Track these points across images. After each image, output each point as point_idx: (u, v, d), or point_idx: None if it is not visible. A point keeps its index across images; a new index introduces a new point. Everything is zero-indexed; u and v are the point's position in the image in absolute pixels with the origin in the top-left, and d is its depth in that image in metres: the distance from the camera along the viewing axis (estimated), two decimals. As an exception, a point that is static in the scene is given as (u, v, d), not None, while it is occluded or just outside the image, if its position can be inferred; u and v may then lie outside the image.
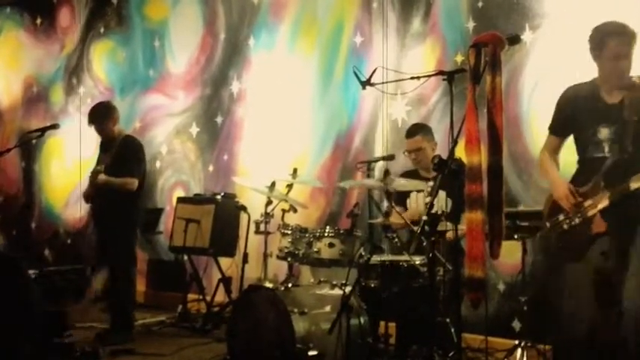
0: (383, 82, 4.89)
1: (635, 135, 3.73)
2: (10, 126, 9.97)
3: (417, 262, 4.59)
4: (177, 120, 8.03)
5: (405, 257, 4.65)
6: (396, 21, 6.35)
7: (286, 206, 5.36)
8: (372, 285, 4.72)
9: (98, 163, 6.33)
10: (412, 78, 4.44)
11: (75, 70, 9.14)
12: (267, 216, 5.41)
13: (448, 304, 4.37)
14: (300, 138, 6.95)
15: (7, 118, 10.04)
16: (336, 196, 6.69)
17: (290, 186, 5.57)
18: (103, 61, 8.84)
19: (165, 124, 8.14)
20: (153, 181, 8.12)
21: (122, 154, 6.13)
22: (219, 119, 7.65)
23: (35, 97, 9.65)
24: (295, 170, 5.62)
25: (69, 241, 9.13)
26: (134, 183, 6.10)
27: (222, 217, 6.77)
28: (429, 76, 4.33)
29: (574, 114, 4.03)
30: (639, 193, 3.58)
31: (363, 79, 4.50)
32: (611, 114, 3.84)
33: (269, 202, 5.46)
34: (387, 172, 4.63)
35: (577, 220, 3.91)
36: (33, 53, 9.68)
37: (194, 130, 7.86)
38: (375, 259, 4.69)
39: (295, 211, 5.35)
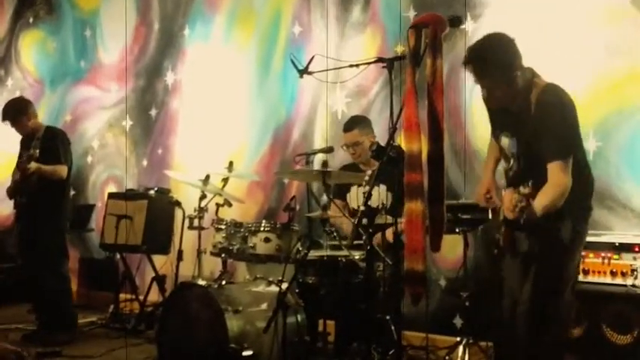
0: (321, 71, 4.69)
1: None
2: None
3: (357, 258, 4.44)
4: (110, 113, 7.76)
5: (343, 252, 4.49)
6: (336, 10, 6.19)
7: (221, 200, 5.13)
8: (310, 281, 4.58)
9: (20, 159, 6.10)
10: (351, 66, 4.30)
11: (3, 62, 8.78)
12: (201, 211, 5.18)
13: (388, 300, 4.21)
14: (237, 131, 6.75)
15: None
16: (275, 191, 6.50)
17: (225, 180, 5.35)
18: (33, 51, 8.51)
19: (97, 117, 7.86)
20: (84, 177, 7.86)
21: (48, 144, 5.92)
22: (153, 112, 7.41)
23: (-38, 91, 9.23)
24: (231, 163, 5.39)
25: None
26: (64, 170, 5.95)
27: (156, 213, 6.54)
28: (369, 63, 4.17)
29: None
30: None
31: (301, 67, 4.34)
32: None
33: (203, 197, 5.23)
34: (325, 164, 4.44)
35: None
36: (-42, 44, 9.26)
37: (127, 123, 7.59)
38: (313, 254, 4.52)
39: (230, 205, 5.13)
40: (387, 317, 4.16)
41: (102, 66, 7.82)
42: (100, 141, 7.82)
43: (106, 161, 7.78)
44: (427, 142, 3.35)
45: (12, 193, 6.13)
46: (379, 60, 4.07)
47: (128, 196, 6.75)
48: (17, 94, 8.45)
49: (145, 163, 7.44)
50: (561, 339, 3.44)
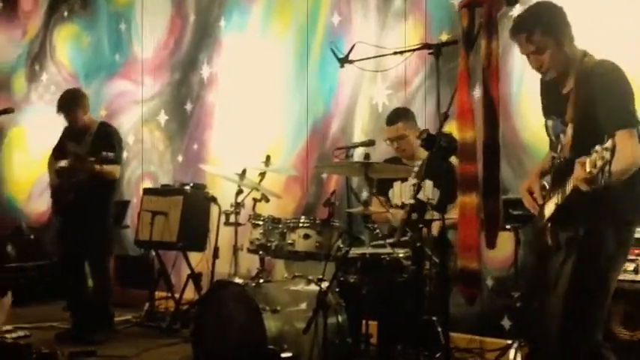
0: (362, 59, 4.47)
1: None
2: (-30, 116, 9.46)
3: (401, 255, 4.22)
4: (145, 107, 7.61)
5: (387, 250, 4.27)
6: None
7: (258, 195, 4.95)
8: (352, 280, 4.36)
9: (64, 151, 5.96)
10: (395, 53, 4.09)
11: (37, 57, 8.69)
12: (238, 206, 5.01)
13: (434, 300, 3.98)
14: (274, 125, 6.56)
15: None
16: (313, 186, 6.30)
17: (262, 174, 5.18)
18: (67, 46, 8.40)
19: (132, 111, 7.71)
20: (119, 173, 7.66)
21: (103, 142, 5.76)
22: (188, 106, 7.24)
23: (-5, 85, 9.18)
24: (268, 158, 5.21)
25: (32, 237, 8.60)
26: (118, 171, 5.92)
27: (191, 209, 6.36)
28: (414, 50, 3.96)
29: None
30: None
31: (341, 55, 4.12)
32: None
33: (239, 192, 5.05)
34: (367, 157, 4.22)
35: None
36: (-7, 40, 9.21)
37: (162, 118, 7.45)
38: (355, 251, 4.31)
39: (267, 200, 4.94)
40: (434, 318, 3.94)
41: (137, 60, 7.67)
42: (135, 136, 7.67)
43: (141, 157, 7.63)
44: (482, 131, 3.10)
45: (59, 190, 5.94)
46: (425, 46, 3.85)
47: (163, 191, 6.59)
48: (52, 89, 8.37)
49: (180, 158, 7.28)
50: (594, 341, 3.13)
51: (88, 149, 5.74)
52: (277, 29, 6.60)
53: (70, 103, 5.91)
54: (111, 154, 5.57)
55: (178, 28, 7.34)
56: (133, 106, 7.72)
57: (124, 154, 7.66)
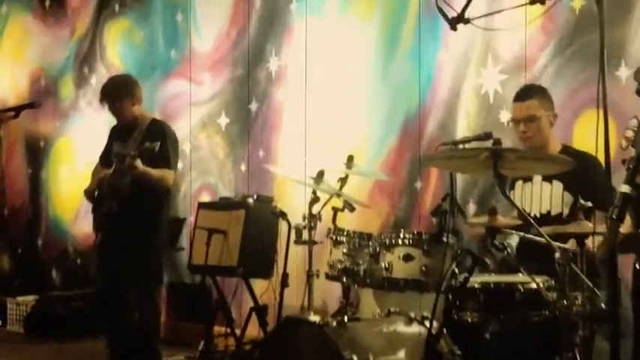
0: (483, 16, 3.36)
1: None
2: (16, 128, 8.65)
3: (541, 285, 3.10)
4: (204, 109, 6.63)
5: (521, 277, 3.22)
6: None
7: (339, 203, 3.81)
8: (470, 319, 3.27)
9: (109, 153, 5.17)
10: (532, 2, 3.01)
11: (86, 58, 7.81)
12: (313, 218, 3.88)
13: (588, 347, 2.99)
14: (356, 124, 5.50)
15: (13, 119, 8.72)
16: (404, 198, 5.17)
17: (344, 179, 4.12)
18: (118, 44, 7.50)
19: (189, 115, 6.71)
20: (175, 186, 6.70)
21: (155, 141, 4.84)
22: (253, 106, 6.22)
23: (43, 91, 8.33)
24: (351, 158, 4.13)
25: (78, 262, 7.80)
26: (171, 177, 5.05)
27: (255, 226, 5.33)
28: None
29: None
30: None
31: (453, 15, 3.15)
32: None
33: (314, 200, 3.95)
34: (498, 142, 3.05)
35: None
36: (41, 41, 8.38)
37: (223, 120, 6.45)
38: (475, 279, 3.23)
39: (352, 209, 3.84)
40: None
41: (195, 55, 6.68)
42: (192, 143, 6.66)
43: (199, 167, 6.67)
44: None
45: (93, 192, 5.12)
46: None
47: (221, 205, 5.59)
48: (101, 93, 7.47)
49: (243, 167, 6.25)
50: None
51: (134, 149, 4.78)
52: (361, 9, 5.56)
53: (117, 90, 5.08)
54: (156, 144, 4.60)
55: (242, 15, 6.33)
56: (190, 108, 6.71)
57: (179, 165, 6.69)
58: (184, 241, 6.48)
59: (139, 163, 4.68)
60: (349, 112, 5.53)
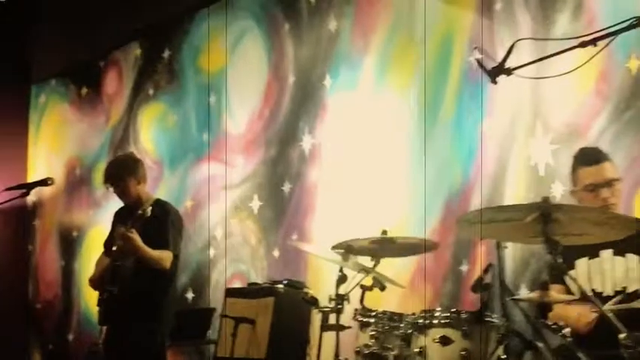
0: (529, 63, 2.97)
1: None
2: (50, 218, 8.45)
3: None
4: (236, 193, 6.26)
5: None
6: (532, 23, 4.42)
7: (369, 282, 3.34)
8: None
9: (113, 239, 4.85)
10: (583, 45, 2.66)
11: (121, 144, 7.56)
12: (340, 299, 3.40)
13: None
14: (394, 202, 5.05)
15: (47, 210, 8.53)
16: (449, 280, 4.65)
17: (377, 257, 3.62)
18: (152, 128, 7.26)
19: (221, 199, 6.35)
20: (205, 275, 6.35)
21: (155, 222, 4.65)
22: (286, 187, 5.83)
23: (77, 181, 8.12)
24: (385, 233, 3.66)
25: None
26: (168, 260, 4.67)
27: (286, 314, 4.90)
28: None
29: None
30: None
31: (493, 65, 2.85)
32: None
33: (342, 279, 3.47)
34: (547, 200, 2.58)
35: None
36: (77, 129, 8.22)
37: (255, 204, 6.06)
38: None
39: (383, 288, 3.34)
40: None
41: (227, 137, 6.38)
42: (223, 229, 6.28)
43: (231, 254, 6.24)
44: None
45: (98, 280, 4.84)
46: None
47: (249, 292, 5.16)
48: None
49: (276, 253, 5.82)
50: None
51: (138, 230, 4.51)
52: (396, 82, 5.20)
53: (121, 170, 4.90)
54: (148, 209, 4.50)
55: (275, 94, 6.03)
56: (222, 192, 6.37)
57: (211, 253, 6.32)
58: (215, 332, 6.02)
59: (134, 235, 4.45)
60: (387, 190, 5.09)
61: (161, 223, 4.70)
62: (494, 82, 2.96)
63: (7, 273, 8.23)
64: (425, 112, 4.92)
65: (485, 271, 2.87)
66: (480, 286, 2.83)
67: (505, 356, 2.71)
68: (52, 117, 8.61)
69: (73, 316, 7.94)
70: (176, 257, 4.78)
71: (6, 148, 8.46)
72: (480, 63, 3.00)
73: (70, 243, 8.05)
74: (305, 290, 4.92)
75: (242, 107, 6.30)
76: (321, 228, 5.51)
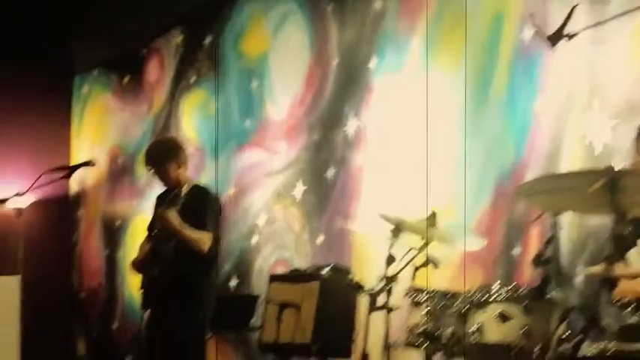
0: (588, 27, 2.82)
1: None
2: (94, 207, 8.47)
3: None
4: (278, 179, 6.18)
5: None
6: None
7: (420, 260, 3.21)
8: None
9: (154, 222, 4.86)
10: None
11: (162, 133, 7.52)
12: (389, 281, 3.27)
13: None
14: (442, 184, 4.88)
15: (90, 199, 8.56)
16: (500, 265, 4.48)
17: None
18: (194, 116, 7.22)
19: (264, 186, 6.29)
20: (248, 262, 6.29)
21: (193, 204, 4.67)
22: (330, 172, 5.74)
23: (120, 170, 8.15)
24: (434, 214, 3.54)
25: None
26: (208, 240, 4.60)
27: (331, 299, 4.75)
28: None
29: None
30: None
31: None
32: None
33: (391, 259, 3.34)
34: (610, 170, 2.41)
35: None
36: (119, 119, 8.26)
37: (299, 190, 5.98)
38: (590, 347, 2.53)
39: (436, 266, 3.20)
40: None
41: (270, 123, 6.30)
42: (266, 215, 6.20)
43: (274, 241, 6.18)
44: None
45: (141, 263, 4.77)
46: None
47: (293, 277, 5.04)
48: (179, 168, 7.16)
49: (320, 239, 5.72)
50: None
51: (176, 211, 4.51)
52: (445, 60, 5.03)
53: (162, 154, 4.82)
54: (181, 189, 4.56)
55: (318, 78, 5.93)
56: (265, 179, 6.29)
57: (254, 240, 6.25)
58: (259, 320, 5.95)
59: (172, 215, 4.44)
60: (435, 172, 4.94)
61: (198, 204, 4.69)
62: (553, 45, 2.81)
63: (52, 263, 8.31)
64: (474, 91, 4.78)
65: (547, 242, 2.73)
66: (540, 260, 2.69)
67: (569, 332, 2.57)
68: (94, 107, 8.64)
69: (117, 304, 7.98)
70: (216, 240, 4.73)
71: (49, 140, 8.51)
72: (537, 30, 2.85)
73: (113, 232, 8.09)
74: (350, 276, 4.82)
75: (284, 92, 6.22)
76: (367, 212, 5.40)
